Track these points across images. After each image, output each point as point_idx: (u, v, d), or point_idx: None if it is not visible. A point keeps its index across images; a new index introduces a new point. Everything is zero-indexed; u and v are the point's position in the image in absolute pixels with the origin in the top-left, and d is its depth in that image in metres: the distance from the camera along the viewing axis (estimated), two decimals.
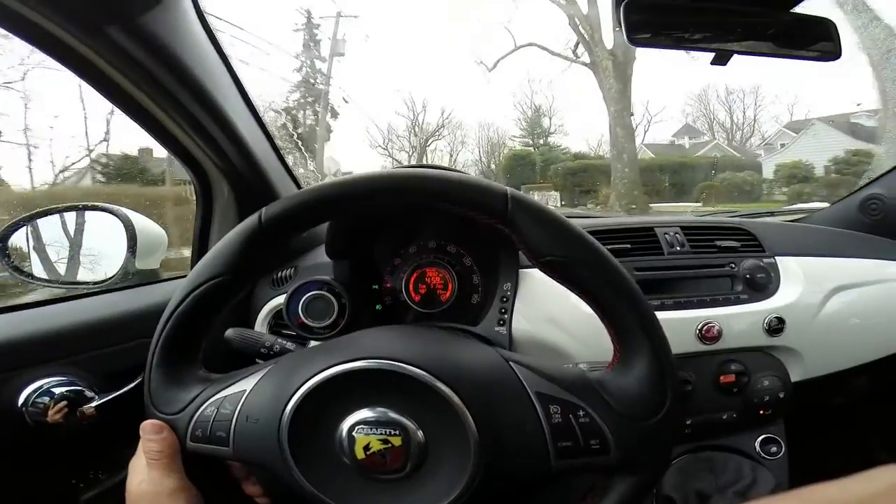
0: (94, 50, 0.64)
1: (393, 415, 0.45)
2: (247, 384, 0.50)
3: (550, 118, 22.29)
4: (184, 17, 0.70)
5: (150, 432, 0.50)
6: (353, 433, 0.45)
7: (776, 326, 0.90)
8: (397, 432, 0.45)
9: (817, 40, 0.79)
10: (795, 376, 0.93)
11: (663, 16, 0.76)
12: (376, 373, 0.46)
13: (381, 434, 0.45)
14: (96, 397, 0.73)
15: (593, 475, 0.51)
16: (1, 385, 0.68)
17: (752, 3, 0.76)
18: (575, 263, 0.48)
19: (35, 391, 0.69)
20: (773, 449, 0.93)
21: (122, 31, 0.62)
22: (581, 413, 0.46)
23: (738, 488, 0.88)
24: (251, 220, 0.51)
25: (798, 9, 0.76)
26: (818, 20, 0.78)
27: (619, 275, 0.48)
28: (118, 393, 0.75)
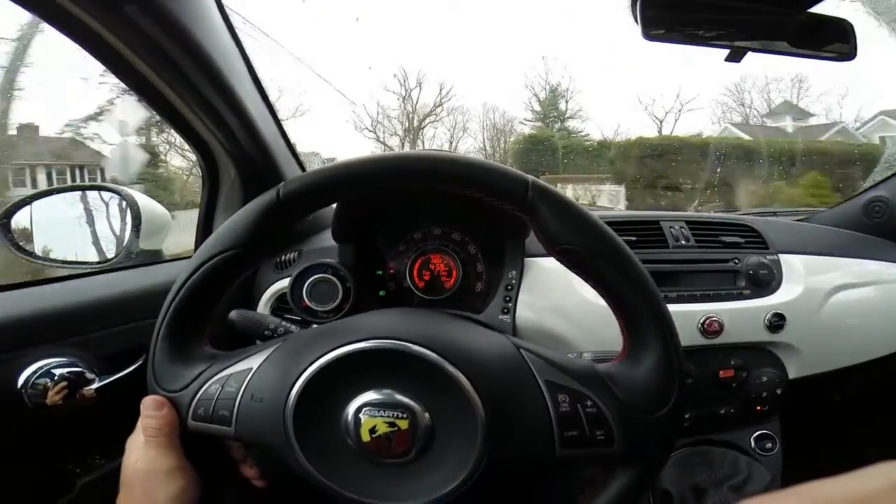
0: (110, 29, 0.63)
1: (400, 397, 0.45)
2: (253, 362, 0.49)
3: (567, 101, 18.71)
4: None
5: (151, 408, 0.49)
6: (360, 415, 0.45)
7: (777, 323, 0.90)
8: (404, 415, 0.45)
9: (833, 41, 0.79)
10: (793, 373, 0.94)
11: (679, 12, 0.76)
12: (385, 353, 0.46)
13: (388, 416, 0.44)
14: (97, 379, 0.72)
15: (594, 467, 0.51)
16: (1, 365, 0.67)
17: (768, 2, 0.76)
18: (592, 253, 0.48)
19: (35, 372, 0.68)
20: (768, 445, 0.94)
21: (140, 10, 0.61)
22: (589, 403, 0.46)
23: (734, 483, 0.89)
24: (269, 194, 0.50)
25: (814, 9, 0.76)
26: (834, 20, 0.78)
27: (635, 268, 0.48)
28: (119, 375, 0.74)
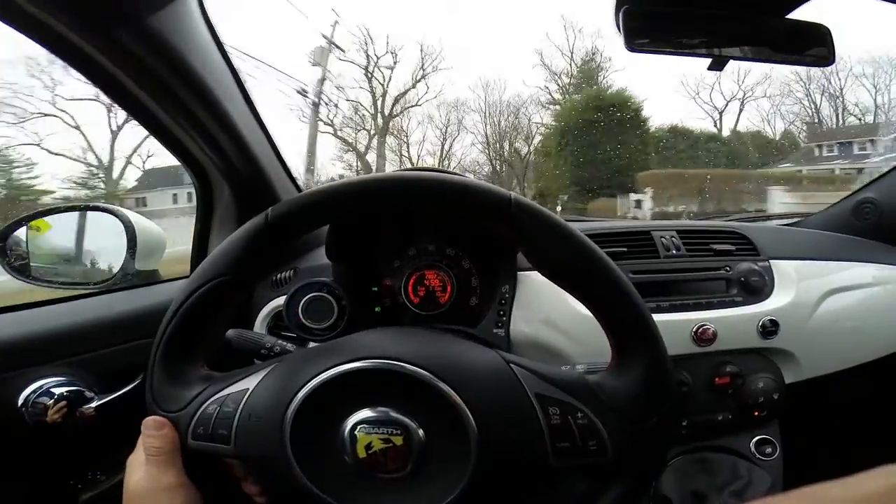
0: (100, 50, 0.64)
1: (395, 414, 0.46)
2: (250, 382, 0.50)
3: (597, 82, 14.03)
4: (190, 19, 0.70)
5: (152, 428, 0.50)
6: (356, 432, 0.46)
7: (770, 329, 0.91)
8: (399, 432, 0.45)
9: (812, 46, 0.80)
10: (789, 378, 0.94)
11: (661, 23, 0.77)
12: (379, 373, 0.46)
13: (383, 433, 0.45)
14: (96, 398, 0.74)
15: (589, 477, 0.52)
16: (1, 385, 0.68)
17: (748, 11, 0.77)
18: (577, 269, 0.49)
19: (35, 391, 0.69)
20: (768, 450, 0.94)
21: (129, 31, 0.62)
22: (580, 415, 0.47)
23: (735, 488, 0.89)
24: (258, 219, 0.51)
25: (792, 15, 0.78)
26: (813, 26, 0.79)
27: (619, 281, 0.49)
28: (117, 394, 0.76)
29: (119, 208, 0.92)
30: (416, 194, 0.51)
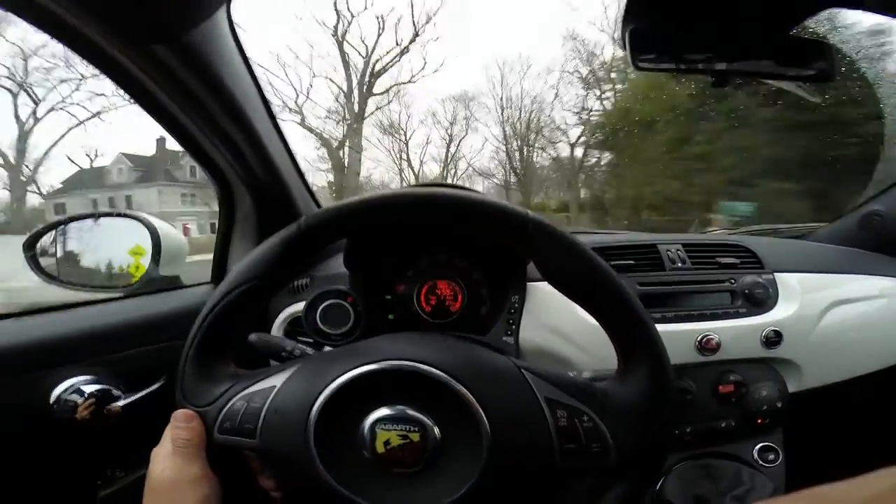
0: (137, 64, 0.67)
1: (412, 413, 0.49)
2: (277, 380, 0.53)
3: None
4: (221, 35, 0.73)
5: (182, 420, 0.53)
6: (375, 429, 0.49)
7: (773, 339, 0.92)
8: (416, 429, 0.49)
9: (814, 61, 0.82)
10: (793, 387, 0.96)
11: (666, 41, 0.79)
12: (400, 374, 0.50)
13: (401, 430, 0.49)
14: (122, 397, 0.77)
15: (592, 480, 0.55)
16: (36, 383, 0.72)
17: (750, 28, 0.79)
18: (588, 286, 0.52)
19: (66, 389, 0.73)
20: (771, 457, 0.95)
21: (166, 47, 0.65)
22: (585, 418, 0.50)
23: (737, 493, 0.90)
24: (291, 228, 0.55)
25: (794, 32, 0.79)
26: (814, 41, 0.81)
27: (627, 298, 0.52)
28: (143, 393, 0.79)
29: (146, 216, 0.96)
30: (435, 209, 0.54)
